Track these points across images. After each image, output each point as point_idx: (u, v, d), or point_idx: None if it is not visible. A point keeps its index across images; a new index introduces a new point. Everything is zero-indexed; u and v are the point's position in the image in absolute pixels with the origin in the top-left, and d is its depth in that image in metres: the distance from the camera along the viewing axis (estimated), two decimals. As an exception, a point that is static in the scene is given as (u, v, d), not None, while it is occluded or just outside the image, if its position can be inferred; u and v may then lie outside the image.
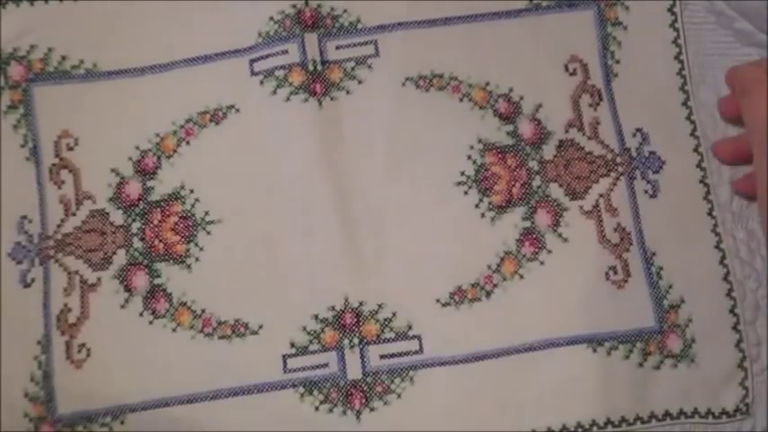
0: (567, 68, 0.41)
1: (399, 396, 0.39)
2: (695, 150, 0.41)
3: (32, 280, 0.41)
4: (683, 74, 0.39)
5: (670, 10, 0.38)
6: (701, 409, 0.38)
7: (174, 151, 0.41)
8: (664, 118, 0.40)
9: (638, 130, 0.41)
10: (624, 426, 0.38)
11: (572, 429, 0.38)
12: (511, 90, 0.41)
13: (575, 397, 0.39)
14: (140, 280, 0.41)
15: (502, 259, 0.40)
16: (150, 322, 0.40)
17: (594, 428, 0.38)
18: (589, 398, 0.38)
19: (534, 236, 0.41)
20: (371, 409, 0.39)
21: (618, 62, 0.40)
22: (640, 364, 0.39)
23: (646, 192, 0.40)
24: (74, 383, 0.40)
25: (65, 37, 0.42)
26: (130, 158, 0.42)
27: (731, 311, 0.39)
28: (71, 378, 0.40)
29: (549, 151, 0.41)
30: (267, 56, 0.41)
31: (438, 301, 0.40)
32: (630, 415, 0.38)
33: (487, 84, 0.41)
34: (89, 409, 0.40)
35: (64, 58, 0.42)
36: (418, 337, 0.40)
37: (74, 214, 0.41)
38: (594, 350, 0.39)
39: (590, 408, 0.38)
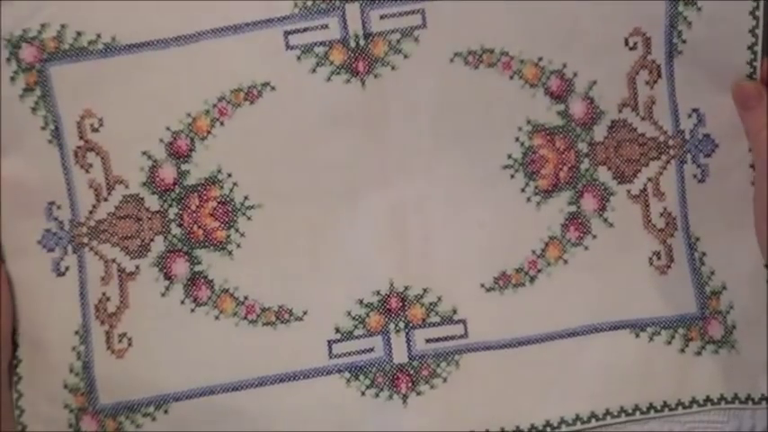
0: (627, 42, 0.39)
1: (445, 380, 0.40)
2: None
3: (66, 268, 0.39)
4: (754, 65, 0.37)
5: None
6: (741, 394, 0.39)
7: (209, 132, 0.39)
8: (723, 101, 0.38)
9: (695, 110, 0.39)
10: (666, 411, 0.39)
11: (615, 414, 0.39)
12: (564, 66, 0.39)
13: (618, 382, 0.40)
14: (180, 267, 0.40)
15: (546, 244, 0.40)
16: (192, 310, 0.39)
17: (637, 413, 0.39)
18: (632, 383, 0.40)
19: (579, 221, 0.40)
20: (418, 393, 0.40)
21: (684, 42, 0.38)
22: (682, 350, 0.40)
23: (694, 176, 0.40)
24: (115, 373, 0.39)
25: (78, 11, 0.38)
26: (162, 140, 0.39)
27: None
28: (112, 368, 0.39)
29: (599, 132, 0.40)
30: (305, 29, 0.38)
31: (482, 285, 0.40)
32: (672, 400, 0.39)
33: (540, 59, 0.39)
34: (131, 398, 0.39)
35: (79, 34, 0.38)
36: (463, 322, 0.40)
37: (105, 199, 0.39)
38: (637, 335, 0.40)
39: (633, 393, 0.39)
